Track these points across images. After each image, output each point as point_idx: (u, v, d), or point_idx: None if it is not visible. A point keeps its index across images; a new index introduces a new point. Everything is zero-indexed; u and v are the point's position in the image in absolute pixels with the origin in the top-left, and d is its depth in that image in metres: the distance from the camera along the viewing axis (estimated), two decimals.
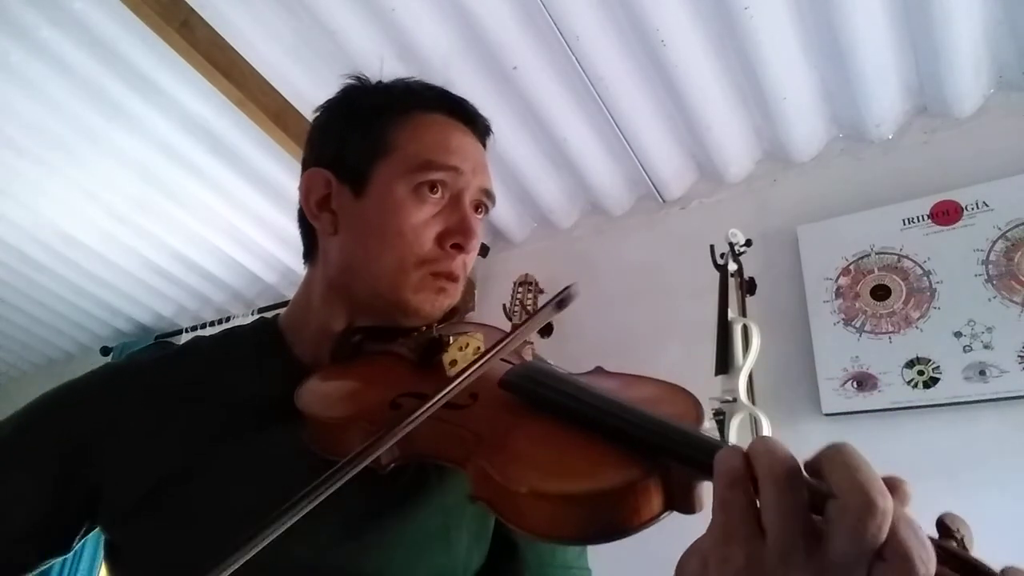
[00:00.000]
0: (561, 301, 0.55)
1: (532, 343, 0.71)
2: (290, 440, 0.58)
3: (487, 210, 0.72)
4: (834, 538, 0.30)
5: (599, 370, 0.63)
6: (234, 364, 0.69)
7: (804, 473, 0.33)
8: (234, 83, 1.89)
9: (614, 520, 0.41)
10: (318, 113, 0.74)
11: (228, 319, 3.21)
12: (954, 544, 0.34)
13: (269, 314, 0.77)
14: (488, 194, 0.71)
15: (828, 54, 1.78)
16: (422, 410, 0.47)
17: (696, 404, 0.51)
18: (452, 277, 0.67)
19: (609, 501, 0.42)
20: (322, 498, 0.40)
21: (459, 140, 0.69)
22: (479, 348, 0.64)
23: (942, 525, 0.36)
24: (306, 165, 0.72)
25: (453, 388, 0.48)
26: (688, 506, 0.43)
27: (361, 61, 1.88)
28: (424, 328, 0.68)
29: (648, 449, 0.44)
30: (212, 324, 3.25)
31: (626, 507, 0.41)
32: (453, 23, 1.81)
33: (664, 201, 2.30)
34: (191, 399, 0.64)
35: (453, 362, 0.62)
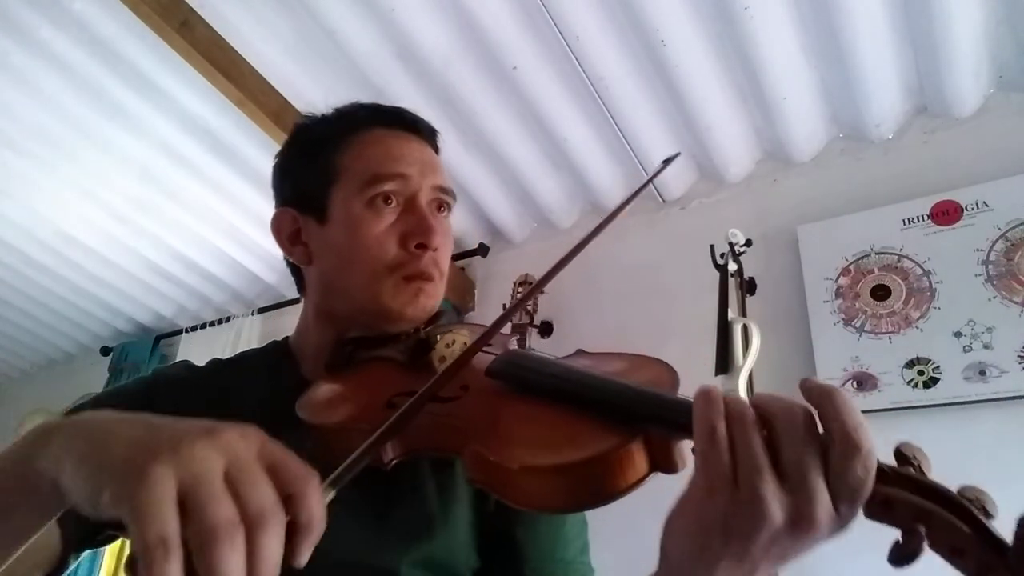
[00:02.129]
0: (667, 161, 0.71)
1: (530, 327, 0.75)
2: (304, 449, 0.60)
3: (449, 207, 0.75)
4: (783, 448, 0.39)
5: (580, 352, 0.67)
6: (250, 380, 0.73)
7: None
8: (234, 83, 1.89)
9: (602, 485, 0.45)
10: (277, 159, 0.80)
11: (228, 319, 3.20)
12: (911, 470, 0.39)
13: (277, 332, 0.82)
14: (444, 190, 0.74)
15: (828, 54, 1.78)
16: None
17: (670, 370, 0.54)
18: (425, 276, 0.70)
19: (595, 468, 0.45)
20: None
21: (401, 148, 0.73)
22: (465, 343, 0.66)
23: (899, 454, 0.40)
24: (276, 206, 0.78)
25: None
26: (670, 466, 0.46)
27: (361, 61, 1.87)
28: (411, 331, 0.71)
29: (627, 416, 0.47)
30: (212, 324, 3.25)
31: (612, 472, 0.44)
32: (453, 23, 1.81)
33: (664, 201, 2.31)
34: (213, 411, 0.66)
35: (442, 359, 0.65)
